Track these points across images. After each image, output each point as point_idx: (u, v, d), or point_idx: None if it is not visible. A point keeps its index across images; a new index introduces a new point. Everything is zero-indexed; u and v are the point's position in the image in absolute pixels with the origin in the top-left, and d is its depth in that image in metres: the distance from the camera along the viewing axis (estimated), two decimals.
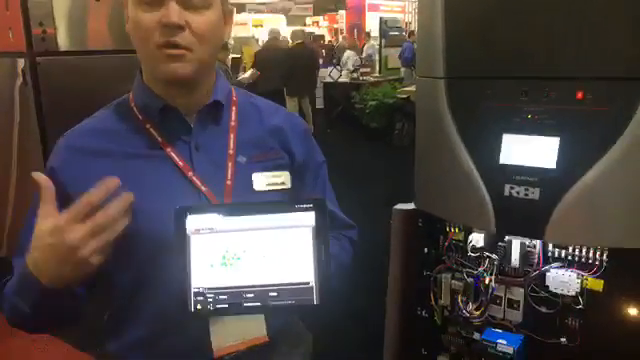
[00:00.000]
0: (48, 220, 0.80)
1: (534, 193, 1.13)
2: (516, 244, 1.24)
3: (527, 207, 1.14)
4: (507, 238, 1.25)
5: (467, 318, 1.36)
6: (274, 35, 7.70)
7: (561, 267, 1.20)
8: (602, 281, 1.17)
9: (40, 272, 0.81)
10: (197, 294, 0.84)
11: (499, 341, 1.27)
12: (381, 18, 11.71)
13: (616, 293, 1.17)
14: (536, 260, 1.23)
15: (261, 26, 12.83)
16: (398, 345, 1.54)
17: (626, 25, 1.03)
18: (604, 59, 1.06)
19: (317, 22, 16.21)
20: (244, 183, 0.97)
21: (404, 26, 12.15)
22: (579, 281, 1.18)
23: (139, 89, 0.98)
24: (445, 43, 1.23)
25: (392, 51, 10.77)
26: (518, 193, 1.15)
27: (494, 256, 1.28)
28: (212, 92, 0.99)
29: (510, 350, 1.26)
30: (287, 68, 6.77)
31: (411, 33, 11.32)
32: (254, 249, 0.84)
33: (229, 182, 0.95)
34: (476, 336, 1.37)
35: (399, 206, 1.48)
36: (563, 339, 1.24)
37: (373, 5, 15.31)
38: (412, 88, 6.54)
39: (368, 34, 12.27)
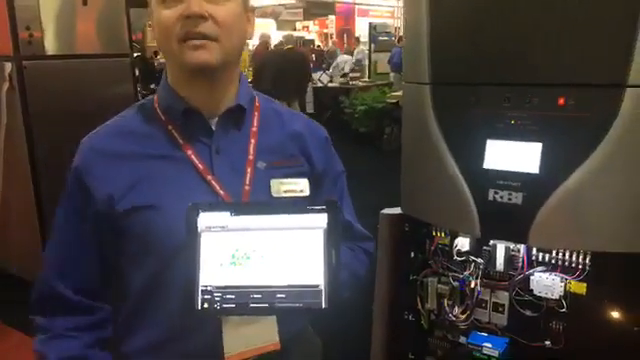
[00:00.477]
0: None
1: (517, 198, 1.14)
2: (501, 248, 1.26)
3: (511, 211, 1.15)
4: (492, 242, 1.27)
5: (453, 322, 1.37)
6: (264, 39, 7.72)
7: (545, 271, 1.22)
8: (585, 284, 1.18)
9: None
10: (205, 292, 0.83)
11: (484, 344, 1.28)
12: (370, 23, 11.77)
13: (599, 296, 1.18)
14: (520, 264, 1.25)
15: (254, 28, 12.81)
16: (385, 349, 1.54)
17: (606, 33, 1.05)
18: (585, 66, 1.07)
19: (307, 27, 16.25)
20: (262, 189, 0.97)
21: (393, 31, 12.21)
22: (562, 285, 1.19)
23: (163, 90, 0.99)
24: (430, 49, 1.24)
25: (381, 56, 10.83)
26: (502, 198, 1.16)
27: (479, 260, 1.29)
28: (236, 96, 0.99)
29: (495, 353, 1.27)
30: (276, 72, 6.78)
31: (400, 38, 11.38)
32: (264, 249, 0.83)
33: (247, 187, 0.96)
34: (462, 340, 1.38)
35: (386, 211, 1.49)
36: (547, 342, 1.25)
37: (362, 10, 15.41)
38: (401, 93, 6.57)
39: (357, 39, 12.33)
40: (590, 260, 1.16)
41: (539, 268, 1.22)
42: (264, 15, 15.04)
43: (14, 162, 2.65)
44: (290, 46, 7.37)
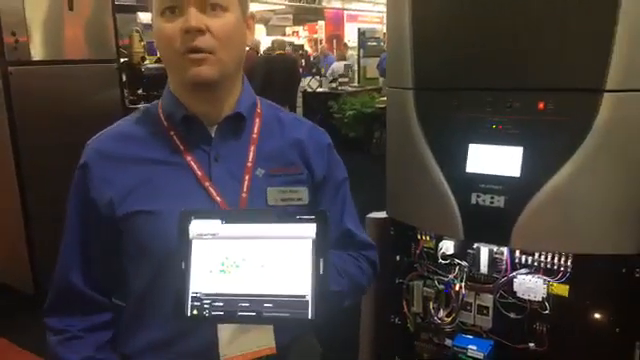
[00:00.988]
0: None
1: (499, 201, 1.16)
2: (484, 251, 1.27)
3: (493, 215, 1.16)
4: (476, 245, 1.28)
5: (439, 325, 1.38)
6: (254, 45, 7.73)
7: (528, 273, 1.23)
8: (567, 286, 1.20)
9: None
10: (194, 299, 0.83)
11: (469, 347, 1.30)
12: (359, 29, 11.81)
13: (581, 298, 1.20)
14: (504, 267, 1.26)
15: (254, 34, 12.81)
16: (372, 352, 1.55)
17: (585, 39, 1.07)
18: (564, 71, 1.09)
19: (297, 32, 16.29)
20: (259, 197, 0.97)
21: (382, 37, 12.26)
22: (545, 287, 1.21)
23: (167, 96, 1.00)
24: (413, 55, 1.26)
25: (370, 61, 10.86)
26: (484, 201, 1.18)
27: (464, 263, 1.30)
28: (236, 104, 0.99)
29: (480, 356, 1.28)
30: (265, 77, 6.78)
31: None
32: (253, 258, 0.83)
33: (244, 195, 0.96)
34: (448, 342, 1.39)
35: (372, 215, 1.50)
36: (531, 344, 1.27)
37: (351, 16, 15.47)
38: None
39: (346, 44, 12.37)
40: (572, 262, 1.18)
41: (522, 271, 1.24)
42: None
43: (0, 167, 2.63)
44: (280, 51, 7.38)
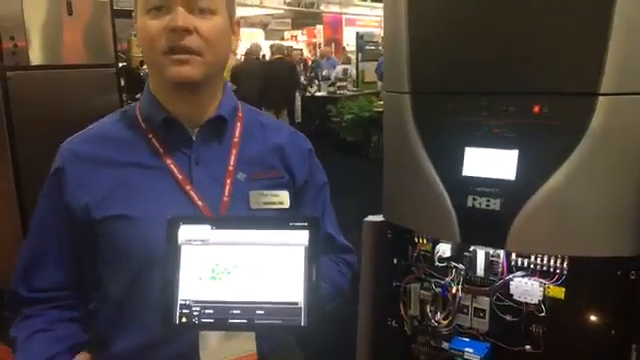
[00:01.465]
0: None
1: (495, 204, 1.16)
2: (481, 254, 1.28)
3: (489, 217, 1.17)
4: (472, 248, 1.29)
5: (436, 327, 1.38)
6: (254, 49, 7.74)
7: (524, 276, 1.24)
8: (563, 289, 1.20)
9: None
10: (183, 306, 0.82)
11: (466, 349, 1.30)
12: (357, 33, 11.84)
13: (577, 300, 1.20)
14: (500, 269, 1.27)
15: (239, 40, 12.84)
16: (369, 355, 1.55)
17: (579, 43, 1.08)
18: (559, 75, 1.10)
19: (295, 36, 16.32)
20: (241, 200, 0.97)
21: (380, 41, 12.30)
22: (541, 289, 1.21)
23: (146, 99, 0.99)
24: (409, 60, 1.27)
25: (368, 65, 10.88)
26: (480, 204, 1.18)
27: (460, 266, 1.31)
28: (218, 107, 0.99)
29: (477, 358, 1.28)
30: (263, 81, 6.79)
31: None
32: (245, 264, 0.83)
33: (226, 198, 0.95)
34: (445, 345, 1.39)
35: (369, 218, 1.50)
36: (528, 346, 1.27)
37: (350, 20, 15.52)
38: None
39: (344, 48, 12.39)
40: (568, 265, 1.19)
41: (518, 273, 1.24)
42: (252, 25, 15.09)
43: None
44: (279, 55, 7.39)
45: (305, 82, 9.40)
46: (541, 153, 1.12)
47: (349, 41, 13.52)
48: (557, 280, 1.20)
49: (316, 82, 9.52)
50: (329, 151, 7.59)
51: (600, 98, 1.06)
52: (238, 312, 0.82)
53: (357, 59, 11.30)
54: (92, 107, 2.73)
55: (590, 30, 1.07)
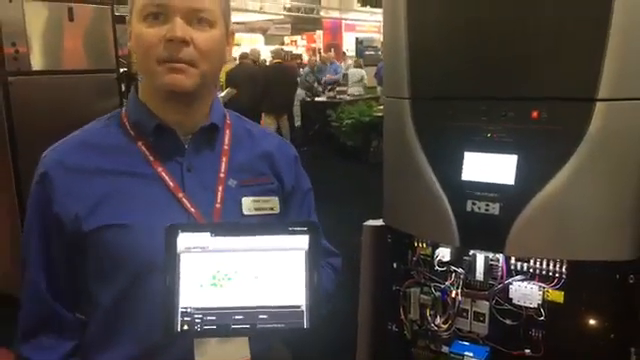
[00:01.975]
0: None
1: (494, 208, 1.17)
2: (480, 258, 1.28)
3: (488, 222, 1.18)
4: (472, 252, 1.29)
5: (435, 332, 1.39)
6: (253, 54, 7.77)
7: (523, 280, 1.24)
8: (562, 293, 1.21)
9: None
10: (184, 314, 0.82)
11: (466, 353, 1.30)
12: (357, 38, 11.89)
13: (576, 304, 1.21)
14: (499, 273, 1.27)
15: (239, 45, 12.92)
16: (369, 359, 1.55)
17: (577, 49, 1.09)
18: (557, 81, 1.11)
19: (295, 41, 16.37)
20: (233, 207, 0.97)
21: (380, 46, 12.34)
22: (540, 293, 1.22)
23: (133, 106, 0.98)
24: (409, 65, 1.28)
25: (368, 70, 10.92)
26: (479, 208, 1.19)
27: (460, 270, 1.31)
28: (209, 114, 0.99)
29: None
30: (262, 86, 6.81)
31: None
32: (246, 270, 0.83)
33: (218, 205, 0.95)
34: (444, 349, 1.39)
35: (369, 222, 1.51)
36: (527, 350, 1.27)
37: (349, 25, 15.57)
38: None
39: (344, 53, 12.44)
40: (567, 269, 1.19)
41: (518, 277, 1.25)
42: (252, 30, 15.14)
43: None
44: (278, 60, 7.41)
45: (308, 82, 9.43)
46: (540, 158, 1.13)
47: (348, 46, 13.57)
48: (556, 284, 1.21)
49: (316, 85, 9.55)
50: (329, 156, 7.61)
51: (598, 103, 1.07)
52: (241, 317, 0.83)
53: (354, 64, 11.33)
54: (93, 112, 2.73)
55: (588, 35, 1.08)
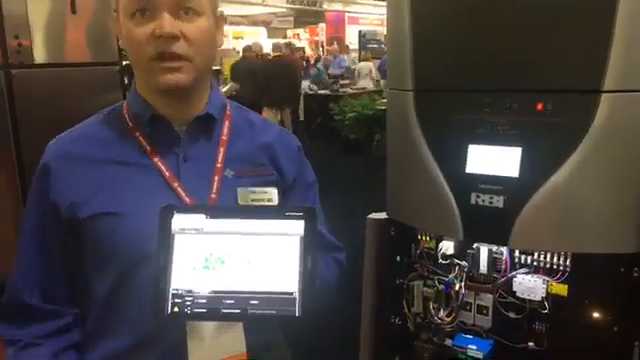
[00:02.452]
0: None
1: (499, 201, 1.17)
2: (484, 251, 1.28)
3: (492, 215, 1.17)
4: (475, 245, 1.29)
5: (439, 325, 1.39)
6: (256, 48, 7.76)
7: (527, 273, 1.24)
8: (566, 286, 1.21)
9: None
10: (175, 296, 0.81)
11: (469, 347, 1.30)
12: (360, 31, 11.84)
13: (580, 297, 1.20)
14: (503, 266, 1.27)
15: (242, 38, 12.88)
16: (373, 353, 1.55)
17: (583, 40, 1.08)
18: (562, 72, 1.10)
19: (298, 35, 16.31)
20: (229, 197, 0.97)
21: (383, 39, 12.28)
22: (544, 286, 1.21)
23: (132, 97, 0.99)
24: (413, 57, 1.27)
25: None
26: (484, 201, 1.19)
27: (463, 263, 1.31)
28: (206, 105, 0.99)
29: (480, 355, 1.28)
30: (263, 80, 6.80)
31: None
32: (239, 254, 0.82)
33: (214, 195, 0.95)
34: (448, 342, 1.39)
35: (372, 215, 1.50)
36: (531, 343, 1.27)
37: (352, 18, 15.50)
38: None
39: (347, 47, 12.39)
40: (571, 262, 1.19)
41: (521, 270, 1.24)
42: (255, 23, 15.09)
43: (2, 171, 2.64)
44: (278, 53, 7.39)
45: (309, 79, 9.43)
46: (544, 150, 1.12)
47: (351, 39, 13.52)
48: (560, 277, 1.20)
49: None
50: (332, 149, 7.60)
51: (603, 95, 1.06)
52: (232, 302, 0.81)
53: (359, 57, 11.31)
54: (96, 105, 2.72)
55: (593, 27, 1.07)
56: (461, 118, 1.21)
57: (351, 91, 9.04)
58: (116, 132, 0.96)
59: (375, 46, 11.49)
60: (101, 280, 0.93)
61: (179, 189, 0.93)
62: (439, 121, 1.25)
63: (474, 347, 1.29)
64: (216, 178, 0.97)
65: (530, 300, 1.24)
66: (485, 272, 1.29)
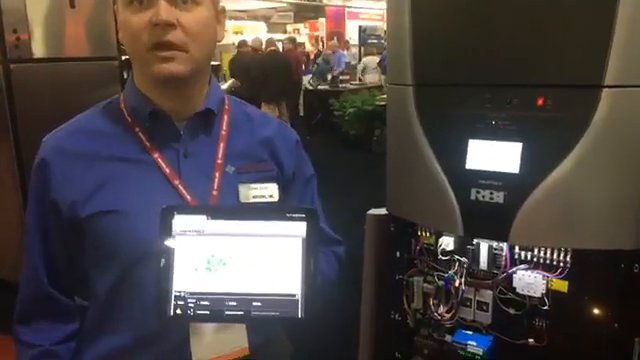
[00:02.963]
0: None
1: (499, 197, 1.16)
2: (484, 247, 1.28)
3: (492, 210, 1.17)
4: (475, 241, 1.28)
5: (439, 321, 1.39)
6: (256, 43, 7.74)
7: (527, 269, 1.23)
8: (566, 282, 1.20)
9: None
10: (178, 298, 0.81)
11: (469, 342, 1.30)
12: (360, 26, 11.80)
13: (580, 293, 1.20)
14: (503, 262, 1.26)
15: (241, 33, 12.84)
16: (372, 349, 1.55)
17: (583, 35, 1.07)
18: (563, 67, 1.10)
19: (298, 30, 16.26)
20: (230, 194, 0.96)
21: (383, 34, 12.25)
22: (544, 283, 1.21)
23: (130, 91, 0.96)
24: (413, 52, 1.26)
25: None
26: (484, 197, 1.18)
27: (463, 259, 1.31)
28: (205, 99, 0.97)
29: (480, 351, 1.28)
30: (260, 76, 6.79)
31: None
32: (241, 256, 0.81)
33: (215, 192, 0.94)
34: (448, 338, 1.39)
35: (372, 211, 1.50)
36: (531, 340, 1.27)
37: (353, 13, 15.46)
38: None
39: (347, 42, 12.36)
40: (571, 258, 1.18)
41: (521, 266, 1.24)
42: (255, 18, 15.05)
43: (1, 165, 2.64)
44: (272, 48, 7.37)
45: (310, 74, 9.42)
46: (545, 146, 1.11)
47: (352, 35, 13.48)
48: (560, 273, 1.20)
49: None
50: (332, 145, 7.59)
51: (604, 90, 1.05)
52: (234, 304, 0.81)
53: (360, 53, 11.28)
54: (94, 99, 2.71)
55: (594, 22, 1.06)
56: (461, 113, 1.21)
57: (351, 87, 9.02)
58: (114, 127, 0.95)
59: (375, 41, 11.45)
60: (102, 277, 0.93)
61: (180, 186, 0.92)
62: (439, 116, 1.24)
63: (474, 343, 1.29)
64: (217, 174, 0.95)
65: (530, 296, 1.23)
66: (485, 268, 1.29)
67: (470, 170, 1.20)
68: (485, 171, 1.17)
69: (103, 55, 2.87)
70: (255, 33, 10.41)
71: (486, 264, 1.28)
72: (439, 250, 1.33)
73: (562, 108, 1.09)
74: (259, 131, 1.04)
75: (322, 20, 15.49)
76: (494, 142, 1.17)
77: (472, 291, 1.32)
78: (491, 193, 1.17)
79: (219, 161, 0.97)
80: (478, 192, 1.19)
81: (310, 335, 1.28)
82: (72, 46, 2.78)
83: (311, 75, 9.53)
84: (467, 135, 1.20)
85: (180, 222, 0.82)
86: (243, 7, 14.36)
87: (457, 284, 1.32)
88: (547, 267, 1.21)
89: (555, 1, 1.09)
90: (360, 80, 9.77)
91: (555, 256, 1.20)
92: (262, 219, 0.83)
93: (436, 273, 1.37)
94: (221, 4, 0.97)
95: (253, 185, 0.97)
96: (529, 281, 1.22)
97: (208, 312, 0.81)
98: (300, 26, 16.32)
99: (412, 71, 1.27)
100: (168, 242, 0.82)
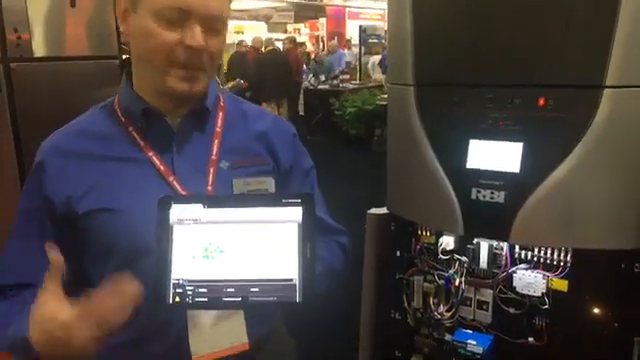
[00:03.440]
0: (54, 309, 0.77)
1: (499, 196, 1.16)
2: (484, 246, 1.28)
3: (493, 210, 1.17)
4: (476, 240, 1.29)
5: (439, 320, 1.39)
6: (256, 43, 7.76)
7: (527, 268, 1.24)
8: (566, 281, 1.21)
9: (40, 348, 0.80)
10: (176, 285, 0.81)
11: (469, 341, 1.30)
12: (360, 26, 11.80)
13: (580, 293, 1.20)
14: (504, 262, 1.27)
15: (242, 33, 12.84)
16: (372, 347, 1.56)
17: (585, 35, 1.08)
18: (564, 67, 1.10)
19: (298, 29, 16.26)
20: (225, 189, 0.97)
21: (383, 34, 12.25)
22: (544, 282, 1.21)
23: (124, 91, 0.98)
24: (414, 51, 1.26)
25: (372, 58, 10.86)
26: (484, 197, 1.18)
27: (464, 258, 1.31)
28: (200, 98, 0.98)
29: (480, 350, 1.28)
30: (258, 75, 6.80)
31: None
32: (238, 242, 0.82)
33: (210, 188, 0.96)
34: (448, 337, 1.40)
35: (372, 210, 1.50)
36: (531, 339, 1.27)
37: (353, 13, 15.46)
38: None
39: (348, 41, 12.35)
40: (571, 257, 1.18)
41: (522, 266, 1.24)
42: (255, 18, 15.05)
43: (1, 165, 2.64)
44: (271, 47, 7.38)
45: (310, 74, 9.43)
46: (546, 145, 1.11)
47: (352, 34, 13.47)
48: (560, 273, 1.20)
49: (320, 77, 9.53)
50: (332, 144, 7.59)
51: (605, 90, 1.06)
52: (232, 290, 0.81)
53: (360, 52, 11.27)
54: (95, 98, 2.72)
55: (595, 22, 1.06)
56: (462, 113, 1.21)
57: (351, 86, 9.02)
58: (109, 128, 0.96)
59: (375, 41, 11.44)
60: (99, 274, 0.92)
61: (174, 183, 0.94)
62: (440, 116, 1.24)
63: (474, 342, 1.29)
64: (211, 170, 0.97)
65: (530, 295, 1.24)
66: (485, 267, 1.29)
67: (471, 170, 1.20)
68: (486, 171, 1.18)
69: (104, 54, 2.87)
70: (255, 33, 10.40)
71: (486, 263, 1.29)
72: (439, 249, 1.33)
73: (563, 108, 1.09)
74: (254, 126, 1.05)
75: (322, 20, 15.50)
76: (495, 142, 1.17)
77: (472, 290, 1.32)
78: (492, 193, 1.17)
79: (213, 157, 0.98)
80: (479, 192, 1.19)
81: (310, 333, 1.29)
82: (73, 45, 2.78)
83: (311, 75, 9.54)
84: (468, 135, 1.20)
85: (177, 211, 0.83)
86: (243, 6, 14.36)
87: (457, 283, 1.32)
88: (547, 266, 1.22)
89: (556, 1, 1.09)
90: (369, 77, 9.85)
91: (555, 256, 1.20)
92: (258, 205, 0.83)
93: (436, 272, 1.37)
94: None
95: (248, 179, 0.98)
96: (529, 280, 1.22)
97: (206, 299, 0.82)
98: (300, 26, 16.33)
99: (413, 71, 1.27)
100: (166, 231, 0.82)
